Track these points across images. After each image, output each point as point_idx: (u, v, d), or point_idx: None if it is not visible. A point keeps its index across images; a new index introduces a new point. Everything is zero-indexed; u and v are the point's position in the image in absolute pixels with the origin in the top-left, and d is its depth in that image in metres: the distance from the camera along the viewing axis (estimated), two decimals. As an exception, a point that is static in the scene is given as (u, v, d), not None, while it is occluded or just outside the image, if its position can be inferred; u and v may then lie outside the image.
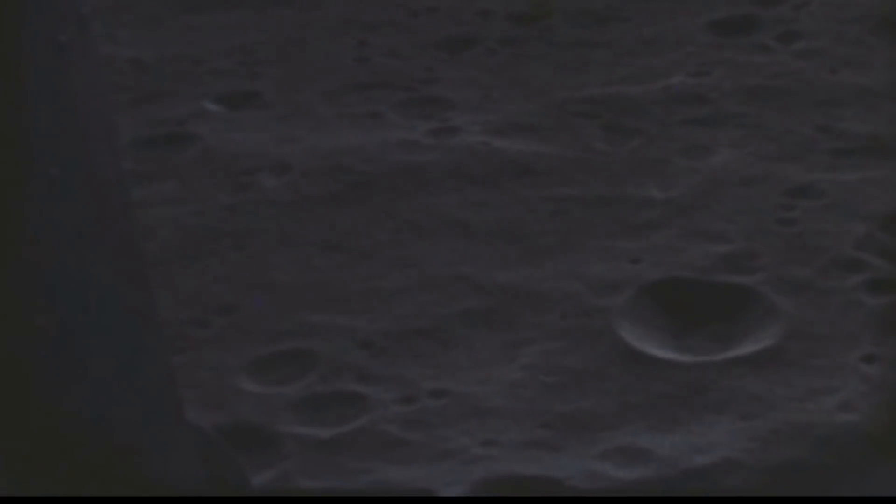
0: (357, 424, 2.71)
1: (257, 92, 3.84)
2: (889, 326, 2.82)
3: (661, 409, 2.68)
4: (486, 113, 3.65)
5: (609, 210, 3.24)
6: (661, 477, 2.53)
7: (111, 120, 1.96)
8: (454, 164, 3.45)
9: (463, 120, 3.63)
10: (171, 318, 3.03)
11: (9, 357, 1.88)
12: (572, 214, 3.24)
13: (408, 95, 3.75)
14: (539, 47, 3.92)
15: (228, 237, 3.28)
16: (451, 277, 3.07)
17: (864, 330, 2.82)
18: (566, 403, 2.72)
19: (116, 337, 1.96)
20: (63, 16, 1.85)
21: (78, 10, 1.89)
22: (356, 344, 2.91)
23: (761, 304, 2.91)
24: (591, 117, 3.58)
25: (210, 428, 2.35)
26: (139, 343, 2.00)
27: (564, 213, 3.24)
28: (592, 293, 2.99)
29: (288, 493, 2.50)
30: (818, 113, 3.51)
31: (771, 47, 3.80)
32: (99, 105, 1.92)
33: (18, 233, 1.85)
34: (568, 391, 2.75)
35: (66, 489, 1.94)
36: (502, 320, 2.94)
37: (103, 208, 1.93)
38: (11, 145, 1.82)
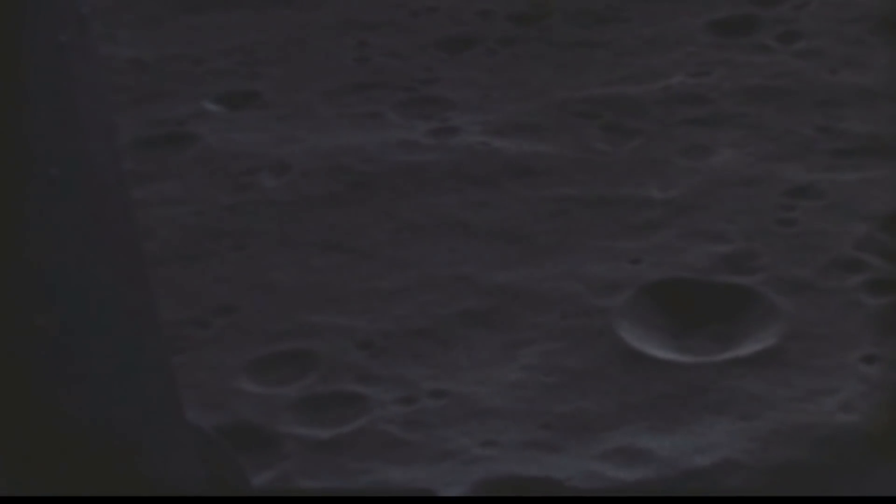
0: (357, 425, 2.71)
1: (257, 92, 3.84)
2: (889, 327, 2.82)
3: (661, 410, 2.68)
4: (486, 113, 3.65)
5: (609, 210, 3.24)
6: (662, 477, 2.53)
7: (111, 120, 1.96)
8: (454, 164, 3.45)
9: (463, 120, 3.63)
10: (171, 318, 3.03)
11: (9, 357, 1.88)
12: (572, 214, 3.24)
13: (408, 95, 3.75)
14: (539, 47, 3.92)
15: (228, 237, 3.27)
16: (451, 277, 3.07)
17: (864, 330, 2.82)
18: (566, 404, 2.72)
19: (116, 337, 1.96)
20: (63, 16, 1.85)
21: (78, 10, 1.89)
22: (356, 344, 2.91)
23: (761, 305, 2.91)
24: (591, 117, 3.58)
25: (210, 428, 2.35)
26: (139, 343, 2.00)
27: (564, 213, 3.24)
28: (592, 293, 2.99)
29: (288, 494, 2.50)
30: (818, 113, 3.50)
31: (771, 47, 3.80)
32: (99, 105, 1.92)
33: (18, 233, 1.85)
34: (568, 391, 2.75)
35: (66, 489, 1.94)
36: (502, 320, 2.94)
37: (103, 208, 1.93)
38: (11, 145, 1.82)
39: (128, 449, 1.99)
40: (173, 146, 3.64)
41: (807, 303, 2.91)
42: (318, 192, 3.40)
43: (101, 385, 1.95)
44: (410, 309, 2.99)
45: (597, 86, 3.71)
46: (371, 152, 3.53)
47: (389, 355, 2.87)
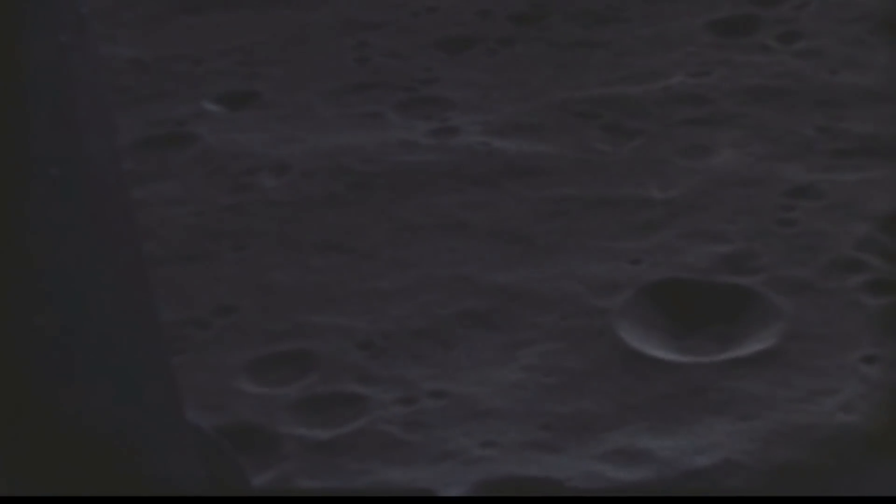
0: (357, 425, 2.71)
1: (257, 92, 3.84)
2: (889, 327, 2.82)
3: (661, 410, 2.68)
4: (486, 113, 3.65)
5: (609, 210, 3.24)
6: (662, 478, 2.53)
7: (111, 120, 1.96)
8: (454, 164, 3.45)
9: (463, 120, 3.62)
10: (171, 319, 3.03)
11: (9, 357, 1.88)
12: (572, 214, 3.24)
13: (408, 95, 3.75)
14: (539, 47, 3.91)
15: (228, 237, 3.27)
16: (451, 277, 3.07)
17: (865, 331, 2.82)
18: (566, 404, 2.72)
19: (116, 337, 1.96)
20: (63, 16, 1.85)
21: (78, 10, 1.88)
22: (356, 345, 2.91)
23: (761, 305, 2.91)
24: (591, 117, 3.58)
25: (210, 428, 2.35)
26: (139, 343, 2.00)
27: (564, 214, 3.24)
28: (592, 294, 2.99)
29: (288, 494, 2.50)
30: (818, 113, 3.50)
31: (771, 47, 3.80)
32: (99, 105, 1.92)
33: (18, 233, 1.85)
34: (568, 392, 2.75)
35: (66, 489, 1.94)
36: (502, 321, 2.94)
37: (103, 208, 1.93)
38: (11, 145, 1.82)
39: (128, 449, 1.99)
40: (173, 146, 3.64)
41: (807, 303, 2.91)
42: (317, 193, 3.40)
43: (101, 385, 1.95)
44: (410, 309, 2.99)
45: (597, 86, 3.71)
46: (371, 152, 3.53)
47: (389, 356, 2.87)
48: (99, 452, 1.96)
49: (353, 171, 3.46)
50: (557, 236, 3.17)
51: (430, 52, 3.93)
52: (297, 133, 3.64)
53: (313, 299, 3.04)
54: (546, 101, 3.66)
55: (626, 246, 3.11)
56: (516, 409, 2.71)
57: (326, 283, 3.10)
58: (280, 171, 3.49)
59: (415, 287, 3.06)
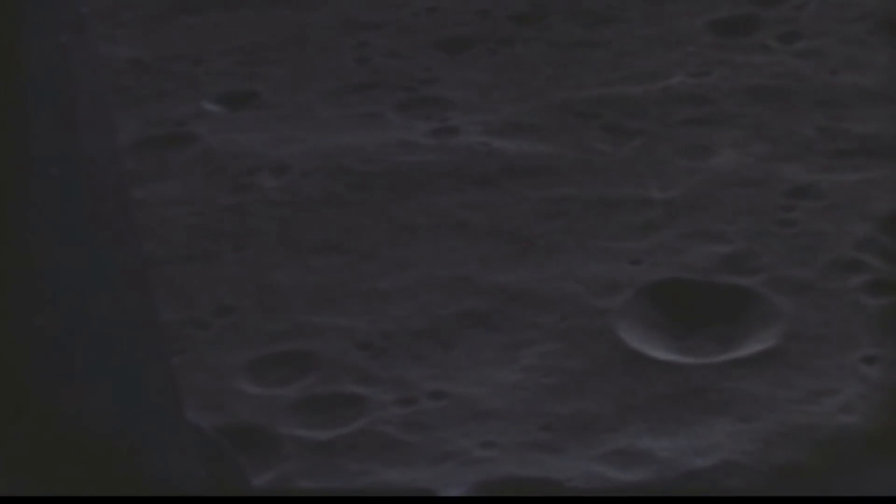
0: (356, 426, 2.71)
1: (257, 92, 3.84)
2: (889, 328, 2.82)
3: (662, 411, 2.68)
4: (485, 113, 3.64)
5: (609, 210, 3.24)
6: (662, 478, 2.52)
7: (111, 120, 1.96)
8: (454, 164, 3.45)
9: (463, 120, 3.62)
10: (171, 319, 3.03)
11: (9, 357, 1.88)
12: (572, 215, 3.24)
13: (408, 95, 3.75)
14: (539, 47, 3.91)
15: (228, 237, 3.27)
16: (451, 277, 3.07)
17: (865, 331, 2.82)
18: (566, 405, 2.72)
19: (116, 337, 1.96)
20: (63, 16, 1.85)
21: (78, 10, 1.88)
22: (355, 345, 2.91)
23: (761, 306, 2.91)
24: (591, 117, 3.58)
25: (210, 428, 2.35)
26: (139, 343, 2.00)
27: (564, 214, 3.24)
28: (592, 294, 2.98)
29: (288, 494, 2.50)
30: (818, 113, 3.50)
31: (771, 47, 3.80)
32: (99, 105, 1.92)
33: (18, 233, 1.85)
34: (568, 393, 2.75)
35: (66, 489, 1.94)
36: (502, 321, 2.94)
37: (103, 208, 1.93)
38: (11, 145, 1.82)
39: (128, 449, 1.99)
40: (173, 146, 3.64)
41: (807, 303, 2.91)
42: (317, 193, 3.40)
43: (101, 385, 1.95)
44: (410, 309, 2.99)
45: (597, 86, 3.70)
46: (371, 152, 3.53)
47: (389, 356, 2.87)
48: (99, 452, 1.95)
49: (353, 171, 3.46)
50: (557, 236, 3.17)
51: (430, 52, 3.93)
52: (297, 133, 3.64)
53: (313, 299, 3.04)
54: (546, 101, 3.66)
55: (626, 246, 3.11)
56: (516, 409, 2.71)
57: (326, 283, 3.10)
58: (280, 171, 3.48)
59: (415, 287, 3.06)
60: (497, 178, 3.39)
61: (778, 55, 3.76)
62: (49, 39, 1.83)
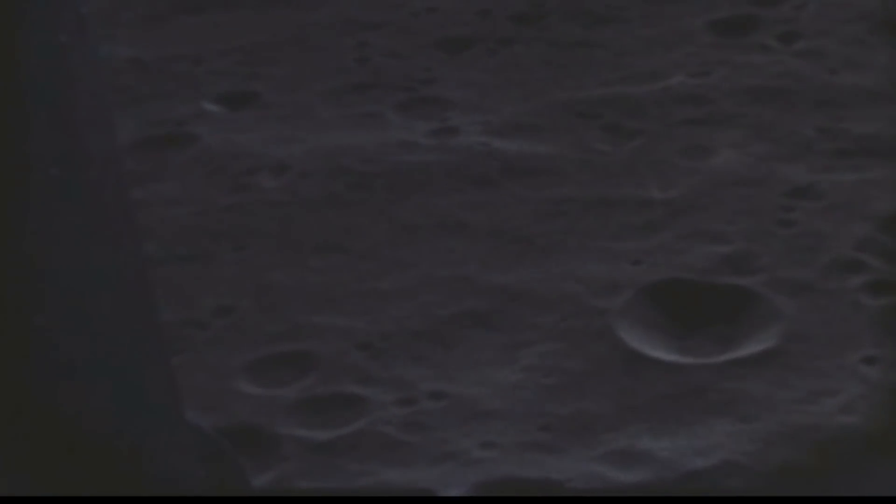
0: (356, 426, 2.71)
1: (257, 92, 3.84)
2: (889, 328, 2.82)
3: (662, 411, 2.68)
4: (485, 113, 3.64)
5: (609, 210, 3.24)
6: (661, 479, 2.52)
7: (111, 120, 1.96)
8: (454, 164, 3.45)
9: (463, 120, 3.62)
10: (171, 319, 3.02)
11: (9, 357, 1.88)
12: (572, 215, 3.24)
13: (408, 95, 3.75)
14: (539, 47, 3.91)
15: (227, 238, 3.27)
16: (451, 278, 3.07)
17: (865, 331, 2.82)
18: (566, 405, 2.72)
19: (116, 337, 1.96)
20: (63, 16, 1.85)
21: (78, 10, 1.88)
22: (355, 345, 2.91)
23: (761, 306, 2.91)
24: (591, 117, 3.58)
25: (210, 429, 2.35)
26: (139, 343, 2.00)
27: (564, 214, 3.24)
28: (592, 294, 2.98)
29: (288, 494, 2.50)
30: (818, 113, 3.50)
31: (771, 47, 3.80)
32: (99, 105, 1.92)
33: (18, 233, 1.85)
34: (567, 393, 2.75)
35: (66, 489, 1.94)
36: (502, 321, 2.94)
37: (103, 208, 1.93)
38: (11, 145, 1.82)
39: (128, 449, 1.99)
40: (173, 146, 3.64)
41: (807, 304, 2.91)
42: (317, 193, 3.40)
43: (101, 385, 1.95)
44: (410, 310, 2.99)
45: (597, 86, 3.70)
46: (371, 152, 3.52)
47: (389, 356, 2.87)
48: (99, 452, 1.95)
49: (353, 171, 3.46)
50: (557, 236, 3.17)
51: (430, 52, 3.93)
52: (297, 133, 3.64)
53: (313, 299, 3.04)
54: (546, 101, 3.66)
55: (626, 246, 3.11)
56: (516, 409, 2.71)
57: (326, 283, 3.09)
58: (280, 171, 3.48)
59: (414, 287, 3.06)
60: (497, 178, 3.39)
61: (778, 55, 3.76)
62: (49, 39, 1.83)
